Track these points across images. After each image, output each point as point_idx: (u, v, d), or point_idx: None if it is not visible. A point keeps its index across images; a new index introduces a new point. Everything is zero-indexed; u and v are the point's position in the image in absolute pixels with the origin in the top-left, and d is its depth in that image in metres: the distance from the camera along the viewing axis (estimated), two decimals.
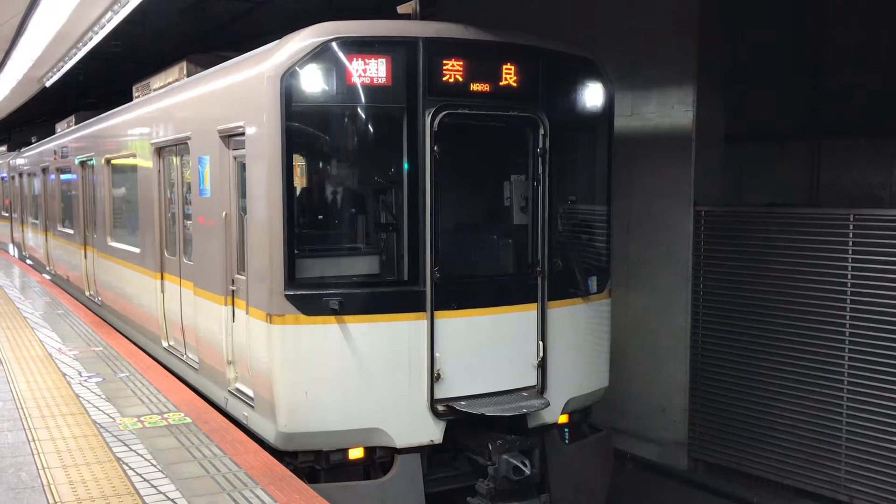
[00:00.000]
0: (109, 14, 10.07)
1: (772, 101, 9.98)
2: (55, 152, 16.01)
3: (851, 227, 7.81)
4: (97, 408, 7.28)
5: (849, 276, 7.87)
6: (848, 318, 7.90)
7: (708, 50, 9.18)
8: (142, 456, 6.04)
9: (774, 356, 8.52)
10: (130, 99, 11.45)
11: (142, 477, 5.62)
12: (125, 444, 6.28)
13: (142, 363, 9.12)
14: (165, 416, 7.05)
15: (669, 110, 9.34)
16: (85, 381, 8.23)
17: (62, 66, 14.21)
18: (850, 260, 7.85)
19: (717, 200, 9.34)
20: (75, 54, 12.84)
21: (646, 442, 9.89)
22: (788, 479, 8.50)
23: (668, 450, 9.65)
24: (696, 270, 9.22)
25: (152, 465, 5.86)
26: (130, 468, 5.78)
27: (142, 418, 6.95)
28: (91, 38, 11.47)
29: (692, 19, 9.16)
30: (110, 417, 6.97)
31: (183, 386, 8.18)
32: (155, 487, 5.44)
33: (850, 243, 7.83)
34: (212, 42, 12.24)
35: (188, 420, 6.91)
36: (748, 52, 9.77)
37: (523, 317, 6.74)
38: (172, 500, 5.24)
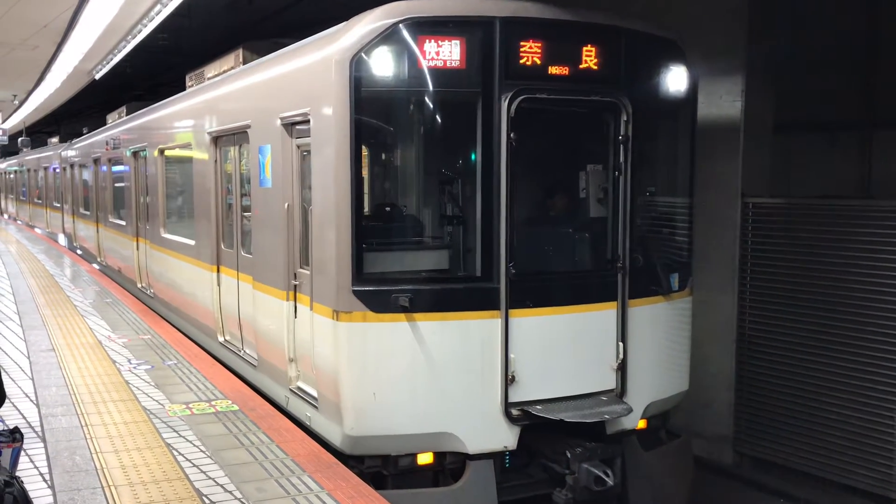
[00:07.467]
0: (158, 7, 10.14)
1: (823, 91, 9.64)
2: (107, 143, 15.97)
3: None
4: (146, 394, 7.35)
5: None
6: None
7: (757, 39, 8.82)
8: (191, 442, 6.08)
9: (824, 351, 8.20)
10: (180, 90, 11.28)
11: (191, 462, 5.67)
12: (174, 431, 6.34)
13: (189, 351, 9.15)
14: (213, 403, 7.09)
15: (717, 100, 8.99)
16: (134, 368, 8.32)
17: (111, 59, 14.31)
18: None
19: (765, 192, 9.01)
20: (124, 47, 12.98)
21: (691, 436, 9.48)
22: (837, 476, 8.18)
23: (713, 444, 9.35)
24: (744, 263, 8.93)
25: (201, 451, 5.90)
26: (180, 454, 5.84)
27: (190, 405, 7.00)
28: (140, 31, 11.60)
29: (742, 7, 8.81)
30: (159, 404, 7.04)
31: (230, 374, 8.17)
32: (204, 473, 5.49)
33: None
34: (258, 34, 12.12)
35: (235, 407, 6.94)
36: (799, 41, 9.34)
37: (602, 316, 6.33)
38: (221, 485, 5.29)
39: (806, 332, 8.34)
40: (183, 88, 11.28)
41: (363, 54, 5.67)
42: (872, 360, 7.77)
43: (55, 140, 27.33)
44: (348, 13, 6.14)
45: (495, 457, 6.05)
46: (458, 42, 5.76)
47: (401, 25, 5.69)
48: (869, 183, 9.68)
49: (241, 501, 5.07)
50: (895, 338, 7.59)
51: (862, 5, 9.48)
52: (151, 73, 17.65)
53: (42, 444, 5.99)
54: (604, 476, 5.81)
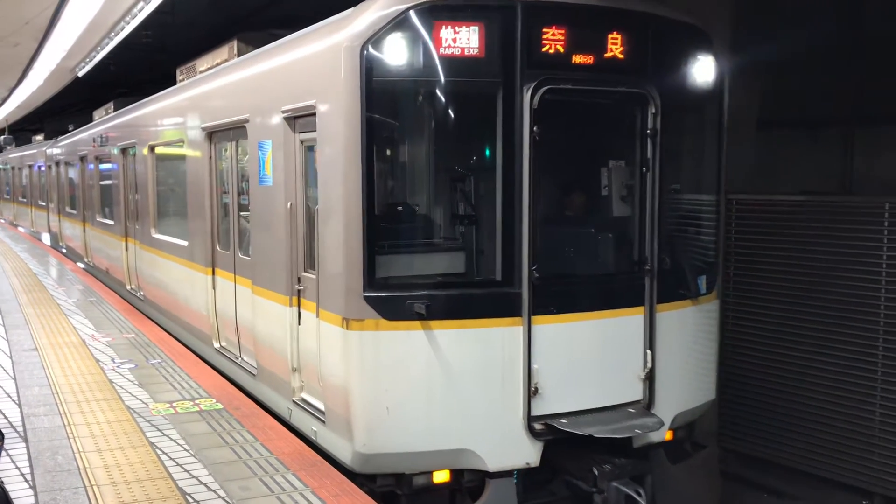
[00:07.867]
0: (141, 4, 10.00)
1: (806, 88, 9.49)
2: (94, 140, 15.46)
3: (886, 215, 7.46)
4: (130, 394, 7.31)
5: (884, 266, 7.51)
6: (883, 307, 7.51)
7: (741, 35, 8.61)
8: (175, 441, 6.05)
9: (807, 346, 8.17)
10: (165, 86, 10.81)
11: (175, 461, 5.63)
12: (158, 430, 6.31)
13: (173, 350, 9.08)
14: (197, 401, 7.07)
15: None
16: (118, 367, 8.29)
17: (94, 57, 14.07)
18: (885, 249, 7.49)
19: (748, 188, 8.95)
20: (107, 44, 12.88)
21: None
22: (821, 470, 8.13)
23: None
24: (727, 260, 8.80)
25: (185, 449, 5.87)
26: (164, 453, 5.79)
27: (174, 404, 7.00)
28: (122, 28, 11.50)
29: (726, 2, 8.60)
30: (143, 403, 7.03)
31: (214, 372, 8.08)
32: (188, 472, 5.44)
33: (886, 232, 7.49)
34: (243, 30, 11.81)
35: (220, 406, 6.93)
36: (783, 38, 9.12)
37: (629, 322, 5.93)
38: (205, 484, 5.23)
39: (788, 328, 8.31)
40: (169, 85, 10.80)
41: (374, 41, 5.24)
42: (854, 356, 7.74)
43: (40, 138, 26.72)
44: (337, 8, 5.76)
45: (517, 474, 5.63)
46: (476, 28, 5.34)
47: (415, 10, 5.27)
48: (851, 179, 9.70)
49: (225, 500, 4.98)
50: (876, 333, 7.54)
51: (845, 2, 9.26)
52: (136, 70, 17.18)
53: (24, 445, 5.90)
54: (635, 495, 5.42)
